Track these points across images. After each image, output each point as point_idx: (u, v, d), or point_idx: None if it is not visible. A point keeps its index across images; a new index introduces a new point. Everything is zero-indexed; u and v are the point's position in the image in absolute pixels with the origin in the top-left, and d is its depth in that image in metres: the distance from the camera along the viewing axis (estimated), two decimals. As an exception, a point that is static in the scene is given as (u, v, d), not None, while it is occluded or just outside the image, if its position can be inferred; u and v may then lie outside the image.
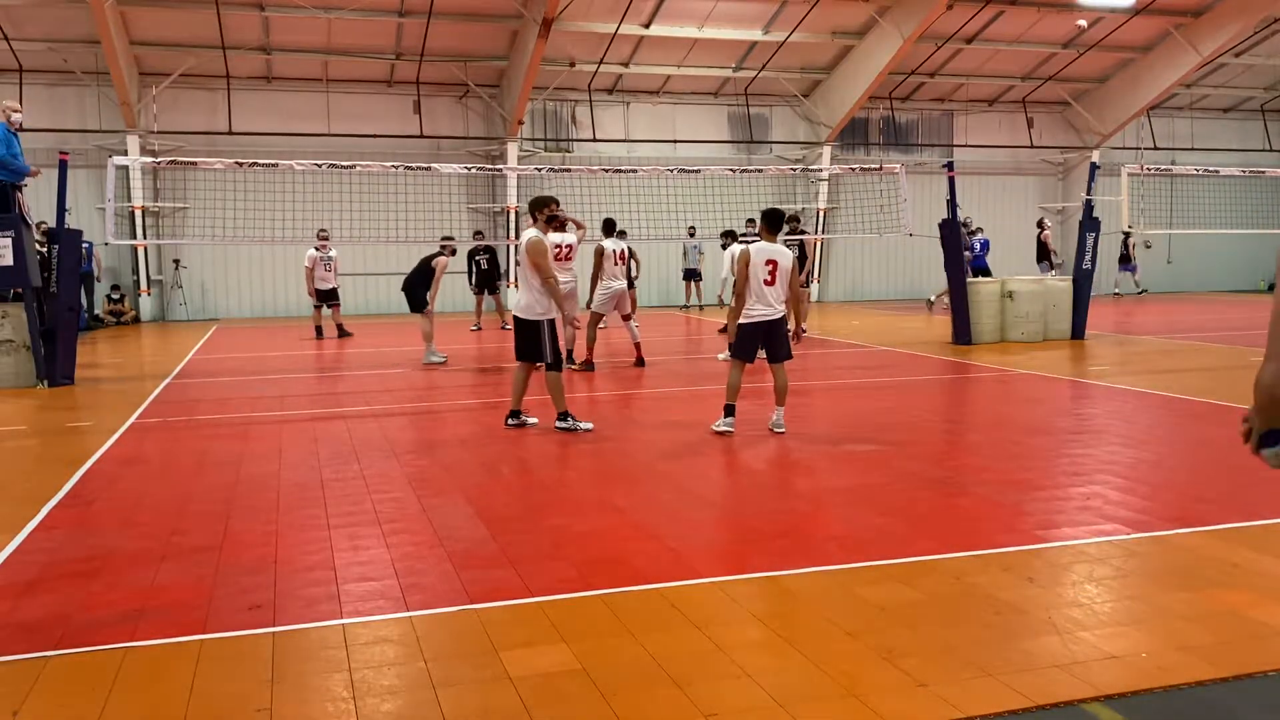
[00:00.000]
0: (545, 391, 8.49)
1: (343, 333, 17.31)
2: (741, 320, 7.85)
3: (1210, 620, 3.97)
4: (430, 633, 3.99)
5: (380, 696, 3.42)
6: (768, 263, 7.76)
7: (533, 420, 8.52)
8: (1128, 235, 24.66)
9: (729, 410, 7.98)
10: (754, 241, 8.08)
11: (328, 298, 17.33)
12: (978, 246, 20.00)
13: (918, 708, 3.27)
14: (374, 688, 3.49)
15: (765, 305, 7.81)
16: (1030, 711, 3.23)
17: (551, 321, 8.28)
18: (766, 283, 7.77)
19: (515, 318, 8.40)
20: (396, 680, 3.55)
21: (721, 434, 7.93)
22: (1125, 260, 26.54)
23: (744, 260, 7.77)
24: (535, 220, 8.46)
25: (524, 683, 3.49)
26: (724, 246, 16.24)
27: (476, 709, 3.32)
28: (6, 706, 3.37)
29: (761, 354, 8.11)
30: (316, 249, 17.07)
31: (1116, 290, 26.86)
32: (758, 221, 8.27)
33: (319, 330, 17.38)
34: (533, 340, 8.23)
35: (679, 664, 3.62)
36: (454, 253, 13.97)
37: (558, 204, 8.63)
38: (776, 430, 8.00)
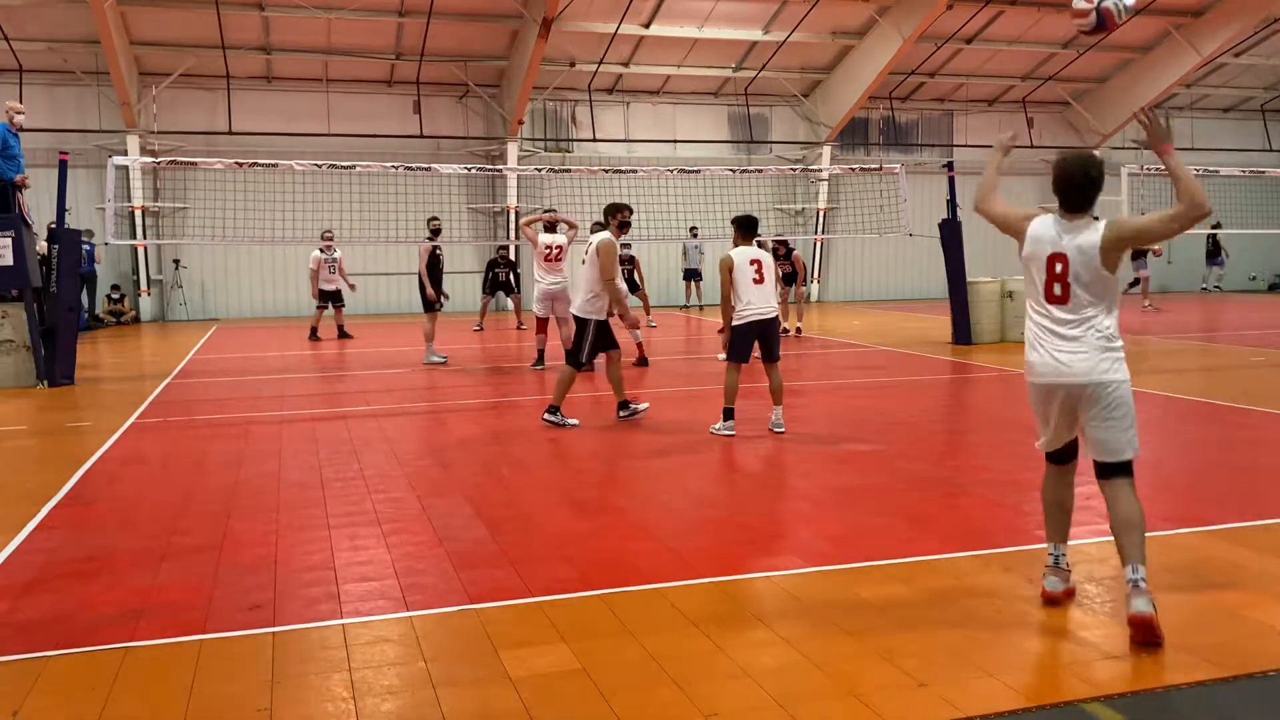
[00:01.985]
0: (606, 387, 8.62)
1: (342, 334, 17.25)
2: (736, 321, 7.83)
3: (1210, 620, 3.97)
4: (430, 633, 3.99)
5: (380, 696, 3.42)
6: (752, 262, 7.79)
7: (571, 422, 8.49)
8: (1215, 232, 23.42)
9: (728, 414, 7.96)
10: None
11: (332, 299, 17.26)
12: None
13: (918, 708, 3.27)
14: (374, 688, 3.49)
15: (758, 304, 7.78)
16: (1030, 711, 3.23)
17: (601, 323, 8.49)
18: (756, 281, 7.76)
19: (574, 315, 8.68)
20: (396, 680, 3.55)
21: (721, 437, 7.93)
22: (1213, 255, 25.80)
23: (726, 267, 7.80)
24: (608, 224, 8.75)
25: (524, 683, 3.49)
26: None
27: (476, 709, 3.33)
28: (6, 706, 3.37)
29: (756, 354, 8.08)
30: (321, 250, 17.03)
31: (1204, 286, 26.49)
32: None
33: (314, 332, 17.24)
34: (581, 336, 8.47)
35: (679, 664, 3.62)
36: (438, 231, 13.67)
37: (631, 211, 8.85)
38: (776, 430, 7.99)
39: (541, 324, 12.29)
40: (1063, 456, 4.28)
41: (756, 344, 7.93)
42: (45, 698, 3.46)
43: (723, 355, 10.51)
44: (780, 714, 3.24)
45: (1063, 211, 4.15)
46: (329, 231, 17.48)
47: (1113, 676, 3.47)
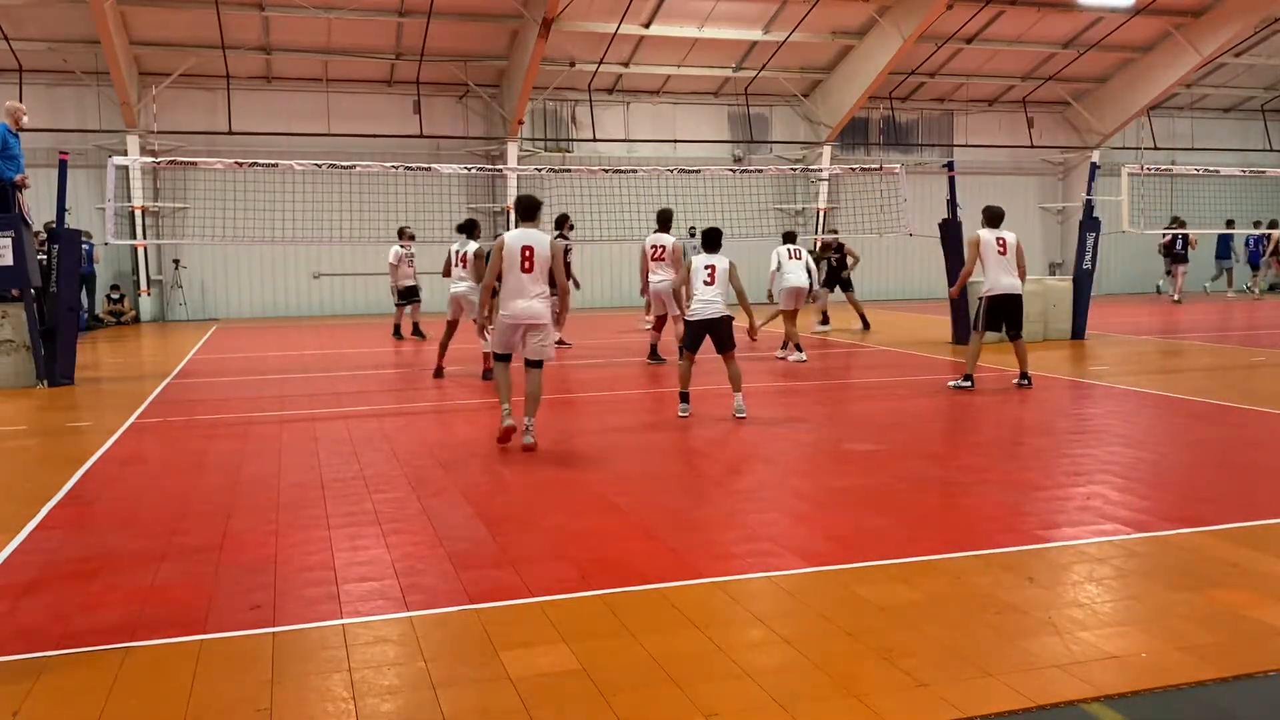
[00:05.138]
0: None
1: (417, 331, 16.50)
2: (690, 318, 8.87)
3: (1210, 620, 3.97)
4: (430, 633, 3.99)
5: (380, 696, 3.42)
6: (706, 267, 8.85)
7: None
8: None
9: (683, 397, 8.93)
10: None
11: (409, 295, 16.65)
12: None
13: (918, 708, 3.27)
14: (374, 688, 3.49)
15: (704, 307, 8.69)
16: (1030, 711, 3.23)
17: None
18: (707, 283, 8.79)
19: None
20: (396, 680, 3.55)
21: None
22: (1225, 255, 24.48)
23: (687, 266, 9.07)
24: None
25: (524, 683, 3.49)
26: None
27: (476, 709, 3.32)
28: (6, 706, 3.37)
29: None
30: (401, 245, 16.41)
31: (1241, 288, 24.05)
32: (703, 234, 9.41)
33: (397, 330, 16.74)
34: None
35: (679, 664, 3.62)
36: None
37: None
38: (739, 415, 8.62)
39: (659, 321, 13.08)
40: (511, 356, 7.66)
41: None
42: (45, 698, 3.46)
43: (781, 354, 13.02)
44: (780, 714, 3.24)
45: (526, 223, 7.56)
46: (408, 227, 16.90)
47: (1113, 676, 3.47)
